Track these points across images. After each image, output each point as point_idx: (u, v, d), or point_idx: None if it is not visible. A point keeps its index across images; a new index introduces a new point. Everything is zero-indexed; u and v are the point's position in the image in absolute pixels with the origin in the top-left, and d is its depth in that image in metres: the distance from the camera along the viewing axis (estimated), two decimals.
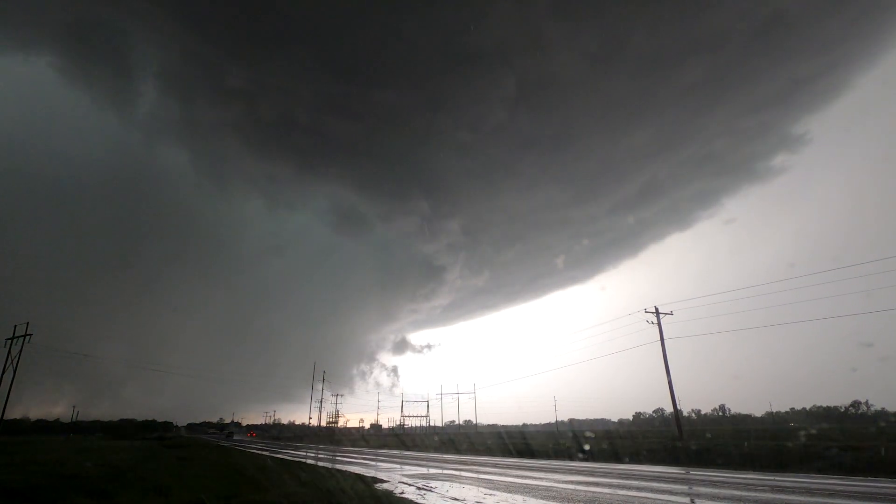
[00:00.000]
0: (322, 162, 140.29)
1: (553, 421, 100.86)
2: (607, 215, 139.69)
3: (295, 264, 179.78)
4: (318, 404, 75.52)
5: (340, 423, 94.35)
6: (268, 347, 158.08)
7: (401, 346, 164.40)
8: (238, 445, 44.10)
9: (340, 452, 32.58)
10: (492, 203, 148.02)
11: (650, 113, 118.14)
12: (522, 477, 14.12)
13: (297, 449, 38.22)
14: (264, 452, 30.73)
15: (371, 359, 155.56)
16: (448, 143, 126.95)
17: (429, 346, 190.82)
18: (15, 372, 40.35)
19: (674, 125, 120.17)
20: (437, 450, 35.82)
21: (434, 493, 10.62)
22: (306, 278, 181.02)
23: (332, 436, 73.12)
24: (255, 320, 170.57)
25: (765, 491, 10.36)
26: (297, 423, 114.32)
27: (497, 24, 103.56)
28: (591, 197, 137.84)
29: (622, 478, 13.49)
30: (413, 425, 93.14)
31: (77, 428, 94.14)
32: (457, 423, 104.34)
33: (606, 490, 10.72)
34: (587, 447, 26.08)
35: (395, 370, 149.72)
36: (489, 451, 30.74)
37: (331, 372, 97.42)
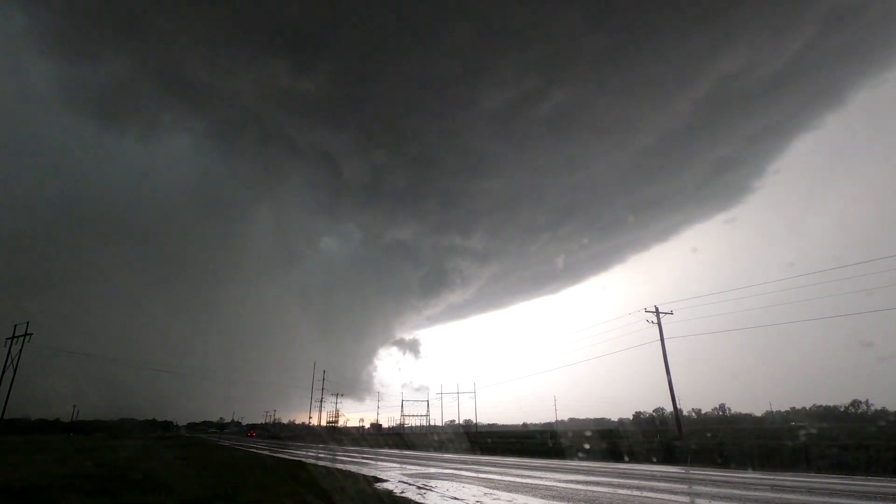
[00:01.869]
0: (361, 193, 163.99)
1: (553, 420, 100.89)
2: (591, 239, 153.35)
3: (311, 273, 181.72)
4: (318, 404, 75.65)
5: (340, 423, 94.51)
6: (268, 347, 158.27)
7: (402, 346, 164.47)
8: (238, 445, 44.12)
9: (340, 452, 32.59)
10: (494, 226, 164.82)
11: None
12: (523, 476, 14.12)
13: (297, 448, 38.23)
14: (264, 452, 30.73)
15: (372, 358, 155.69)
16: (468, 184, 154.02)
17: (429, 346, 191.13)
18: (15, 372, 40.40)
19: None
20: (438, 449, 35.86)
21: (434, 493, 10.62)
22: (317, 284, 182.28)
23: (333, 435, 73.16)
24: (258, 322, 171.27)
25: (765, 490, 10.36)
26: (297, 422, 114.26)
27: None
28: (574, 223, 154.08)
29: (622, 477, 13.49)
30: (413, 425, 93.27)
31: (77, 427, 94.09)
32: (457, 422, 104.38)
33: (606, 489, 10.71)
34: (587, 446, 26.09)
35: (395, 369, 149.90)
36: (489, 451, 30.76)
37: (331, 371, 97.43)
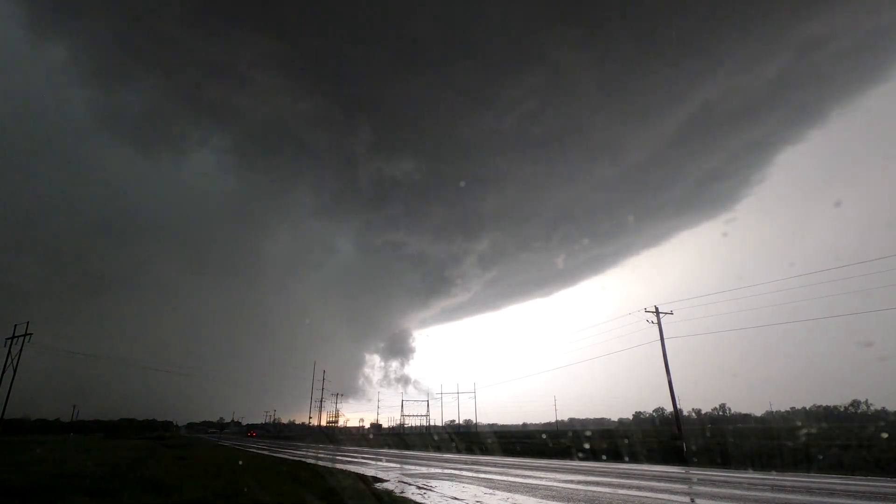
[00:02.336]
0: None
1: (553, 420, 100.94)
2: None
3: (314, 275, 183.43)
4: (318, 404, 75.71)
5: (340, 423, 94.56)
6: (269, 347, 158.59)
7: (402, 346, 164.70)
8: (238, 445, 44.13)
9: (340, 452, 32.60)
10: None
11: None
12: (523, 476, 14.12)
13: (297, 448, 38.23)
14: (264, 452, 30.73)
15: (372, 359, 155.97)
16: (472, 195, 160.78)
17: (430, 347, 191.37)
18: (15, 372, 40.40)
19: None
20: (438, 449, 35.85)
21: (434, 493, 10.62)
22: (319, 286, 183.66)
23: (333, 435, 73.14)
24: (260, 322, 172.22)
25: (765, 490, 10.37)
26: (297, 422, 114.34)
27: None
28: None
29: (622, 477, 13.49)
30: (413, 425, 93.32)
31: (77, 427, 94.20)
32: (457, 422, 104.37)
33: (606, 489, 10.72)
34: (587, 447, 26.09)
35: (396, 369, 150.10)
36: (489, 451, 30.76)
37: (332, 372, 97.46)
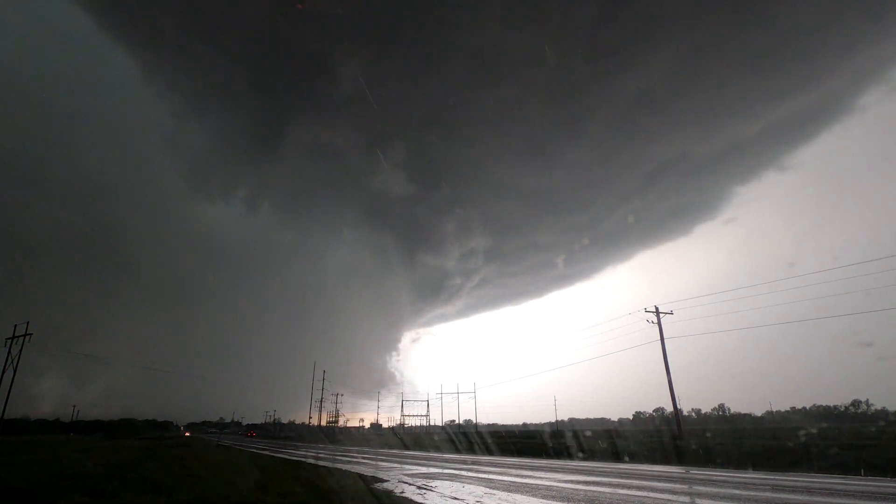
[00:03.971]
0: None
1: (553, 420, 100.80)
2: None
3: (313, 276, 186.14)
4: (318, 404, 75.71)
5: (340, 423, 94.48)
6: (269, 347, 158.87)
7: (402, 346, 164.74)
8: (238, 444, 44.11)
9: (340, 452, 32.59)
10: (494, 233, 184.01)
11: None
12: (522, 476, 14.12)
13: (297, 448, 38.24)
14: (264, 452, 30.73)
15: (372, 358, 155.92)
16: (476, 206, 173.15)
17: (430, 346, 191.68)
18: (15, 372, 40.39)
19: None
20: (438, 449, 35.86)
21: (434, 493, 10.62)
22: (319, 286, 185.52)
23: (333, 435, 73.11)
24: (260, 323, 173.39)
25: (765, 490, 10.37)
26: (297, 422, 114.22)
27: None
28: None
29: (622, 477, 13.50)
30: (413, 425, 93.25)
31: (77, 427, 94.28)
32: (457, 422, 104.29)
33: (606, 489, 10.72)
34: (587, 446, 26.08)
35: (395, 369, 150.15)
36: (489, 451, 30.77)
37: (331, 371, 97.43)
